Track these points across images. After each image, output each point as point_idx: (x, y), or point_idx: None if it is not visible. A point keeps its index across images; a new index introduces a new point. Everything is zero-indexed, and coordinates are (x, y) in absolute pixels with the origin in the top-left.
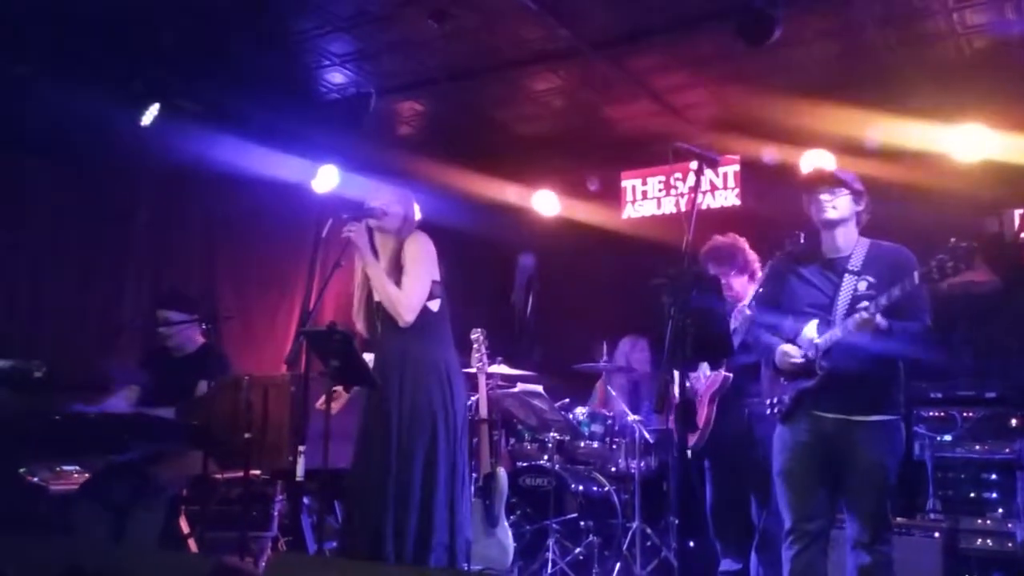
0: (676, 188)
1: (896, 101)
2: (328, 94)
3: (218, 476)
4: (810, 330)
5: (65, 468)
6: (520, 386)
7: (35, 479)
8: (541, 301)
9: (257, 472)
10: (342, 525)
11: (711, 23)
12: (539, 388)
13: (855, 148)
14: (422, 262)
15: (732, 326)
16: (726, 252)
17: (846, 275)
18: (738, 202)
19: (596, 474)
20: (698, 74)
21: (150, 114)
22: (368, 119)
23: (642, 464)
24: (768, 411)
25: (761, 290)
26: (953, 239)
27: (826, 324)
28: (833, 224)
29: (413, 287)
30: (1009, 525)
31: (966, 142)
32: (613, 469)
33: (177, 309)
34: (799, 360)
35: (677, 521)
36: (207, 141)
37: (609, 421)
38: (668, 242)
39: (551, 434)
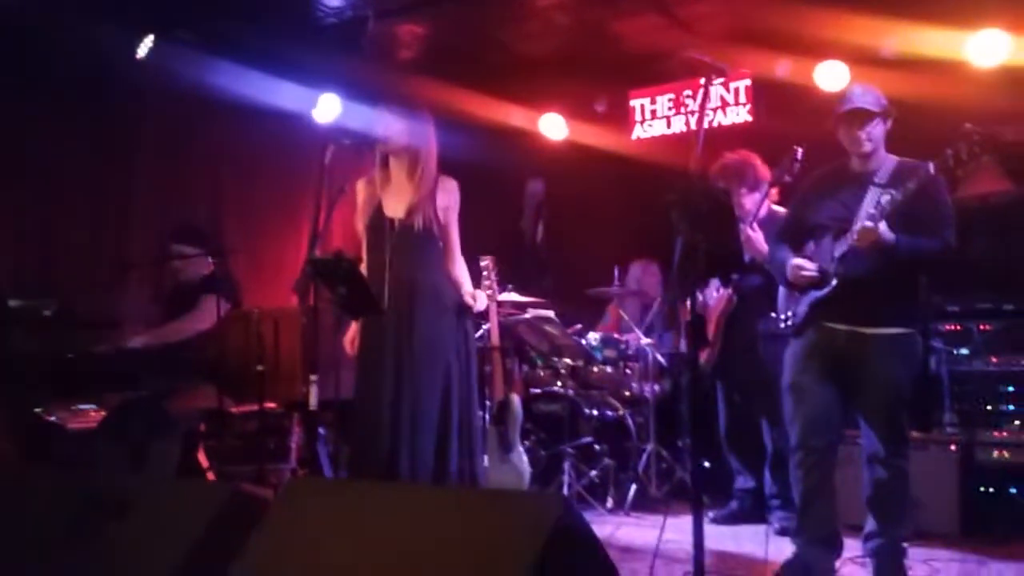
0: (686, 106)
1: (912, 7)
2: (325, 18)
3: (233, 410)
4: (826, 243)
5: (82, 407)
6: (531, 312)
7: (52, 418)
8: (550, 226)
9: (272, 404)
10: (352, 455)
11: None
12: (550, 313)
13: (870, 58)
14: (455, 211)
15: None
16: (736, 169)
17: (870, 188)
18: (750, 118)
19: (610, 398)
20: None
21: (145, 46)
22: (367, 44)
23: (655, 387)
24: (782, 325)
25: (786, 210)
26: (968, 124)
27: (843, 235)
28: (867, 153)
29: (456, 241)
30: None
31: (984, 48)
32: (627, 393)
33: (188, 243)
34: (812, 272)
35: (691, 442)
36: (205, 71)
37: (622, 345)
38: (679, 163)
39: (564, 360)
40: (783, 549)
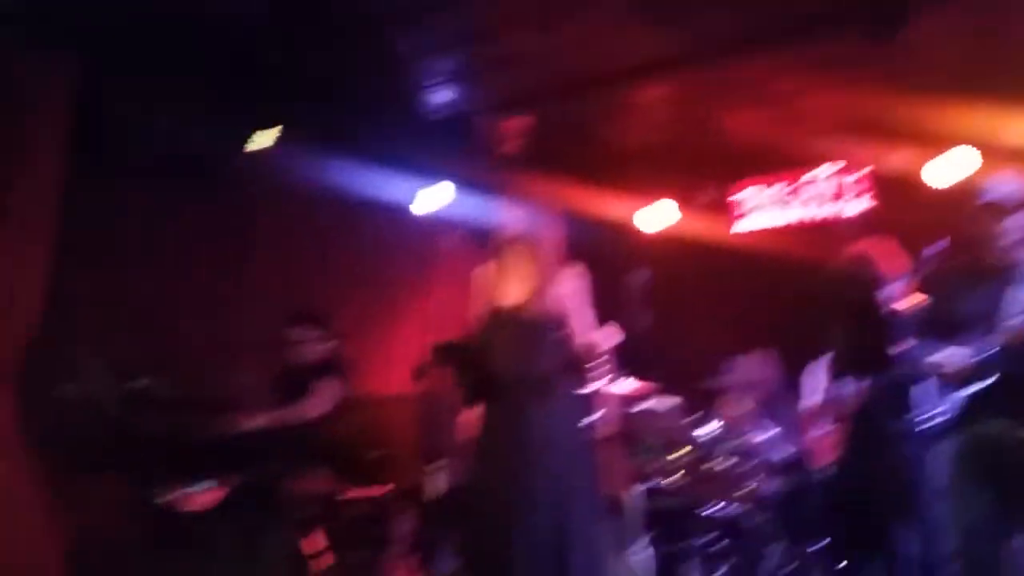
0: (796, 196)
1: None
2: (433, 113)
3: (348, 494)
4: (969, 341)
5: (197, 487)
6: (654, 400)
7: (169, 497)
8: (655, 318)
9: (385, 489)
10: (463, 544)
11: (833, 23)
12: (674, 401)
13: (991, 146)
14: (587, 297)
15: None
16: (874, 258)
17: (1014, 282)
18: (866, 207)
19: (727, 494)
20: (820, 77)
21: (267, 137)
22: (473, 138)
23: (775, 485)
24: (926, 425)
25: (923, 303)
26: None
27: (989, 333)
28: (1008, 246)
29: (585, 326)
30: None
31: None
32: (745, 489)
33: (305, 326)
34: (958, 370)
35: (825, 541)
36: (315, 163)
37: (739, 440)
38: (785, 254)
39: (679, 454)
40: None
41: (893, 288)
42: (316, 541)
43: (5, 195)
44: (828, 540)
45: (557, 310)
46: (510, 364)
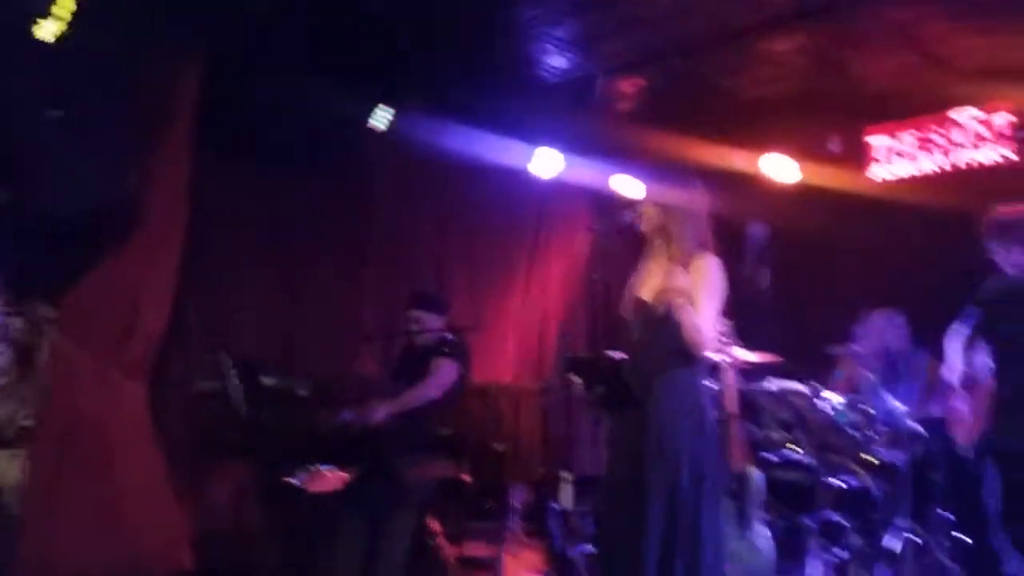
0: (933, 142)
1: None
2: (551, 79)
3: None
4: None
5: (322, 468)
6: (778, 383)
7: (294, 481)
8: (777, 274)
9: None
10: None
11: None
12: (800, 387)
13: None
14: (710, 289)
15: None
16: (1014, 226)
17: None
18: (1014, 157)
19: (852, 465)
20: (966, 19)
21: (379, 116)
22: (593, 101)
23: (906, 454)
24: None
25: None
26: None
27: None
28: None
29: (699, 322)
30: None
31: None
32: (870, 459)
33: (425, 308)
34: None
35: (950, 516)
36: (432, 135)
37: (869, 409)
38: (925, 204)
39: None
40: None
41: None
42: (434, 525)
43: (144, 194)
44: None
45: (681, 301)
46: (640, 361)
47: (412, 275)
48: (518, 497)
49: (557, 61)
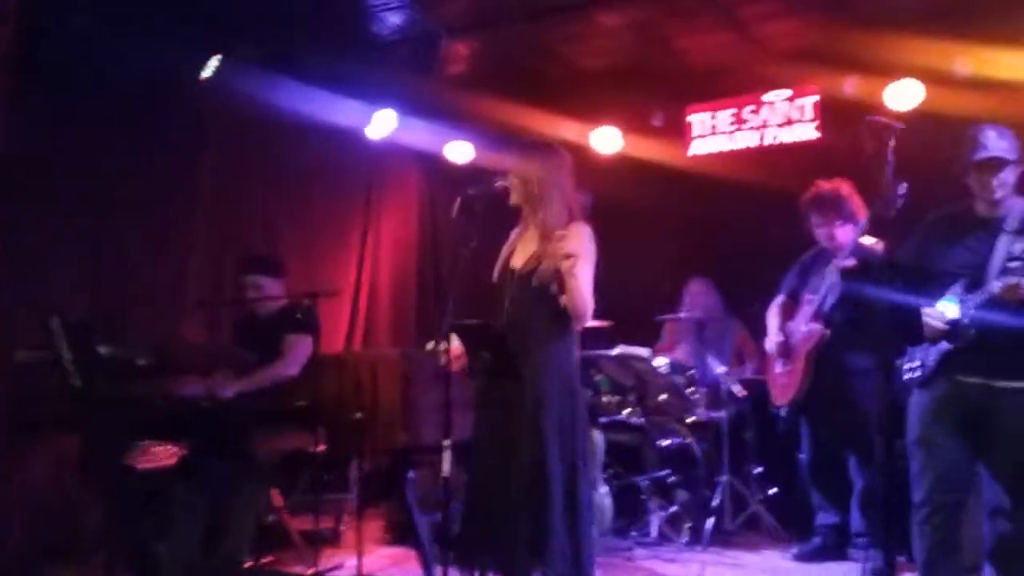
0: (747, 122)
1: (986, 29)
2: (388, 36)
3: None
4: (953, 294)
5: (152, 443)
6: (621, 348)
7: (129, 456)
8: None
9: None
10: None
11: None
12: (643, 351)
13: (943, 78)
14: (587, 257)
15: (830, 280)
16: (831, 199)
17: (1001, 235)
18: (817, 135)
19: (676, 425)
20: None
21: (210, 66)
22: (428, 60)
23: (721, 413)
24: (907, 375)
25: (905, 247)
26: None
27: (975, 285)
28: (998, 200)
29: (584, 289)
30: None
31: None
32: (691, 420)
33: (265, 274)
34: (942, 326)
35: (760, 470)
36: (264, 89)
37: (691, 371)
38: (737, 179)
39: (660, 397)
40: None
41: (845, 229)
42: (276, 499)
43: None
44: (762, 468)
45: (554, 269)
46: (512, 330)
47: (242, 236)
48: (360, 468)
49: (393, 18)
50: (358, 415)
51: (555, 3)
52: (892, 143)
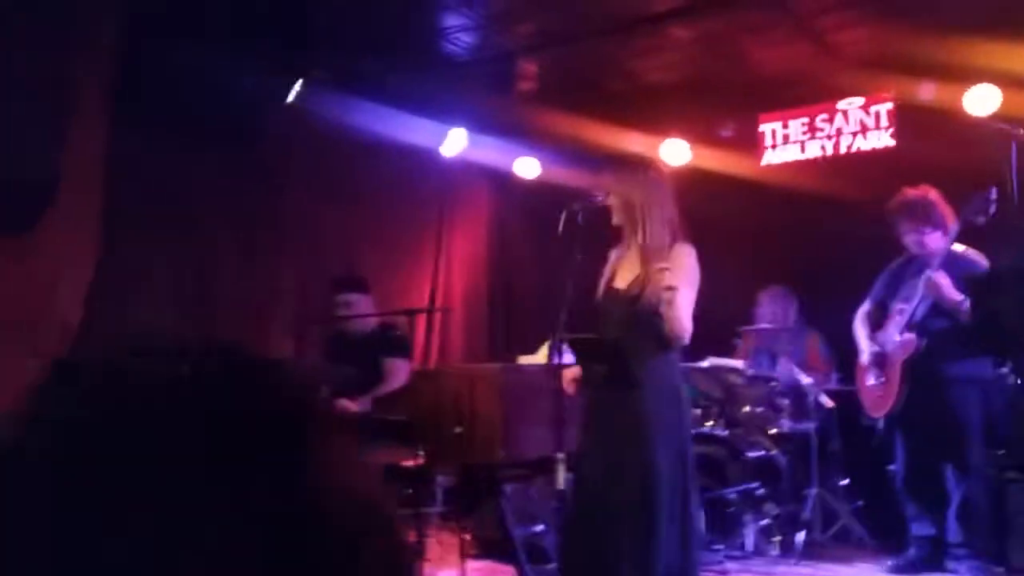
0: (821, 131)
1: None
2: (458, 56)
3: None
4: None
5: None
6: (711, 360)
7: None
8: None
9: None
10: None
11: None
12: (736, 363)
13: (1020, 81)
14: (690, 279)
15: (922, 289)
16: (919, 207)
17: None
18: (892, 143)
19: (760, 437)
20: (859, 10)
21: (295, 90)
22: (500, 78)
23: (808, 425)
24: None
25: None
26: None
27: None
28: None
29: (684, 318)
30: None
31: None
32: (774, 431)
33: (355, 290)
34: None
35: (847, 482)
36: (341, 111)
37: (773, 383)
38: (811, 189)
39: (745, 408)
40: None
41: (934, 236)
42: None
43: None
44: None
45: (657, 292)
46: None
47: (320, 254)
48: (443, 482)
49: (468, 38)
50: (458, 429)
51: (625, 19)
52: (1015, 150)
